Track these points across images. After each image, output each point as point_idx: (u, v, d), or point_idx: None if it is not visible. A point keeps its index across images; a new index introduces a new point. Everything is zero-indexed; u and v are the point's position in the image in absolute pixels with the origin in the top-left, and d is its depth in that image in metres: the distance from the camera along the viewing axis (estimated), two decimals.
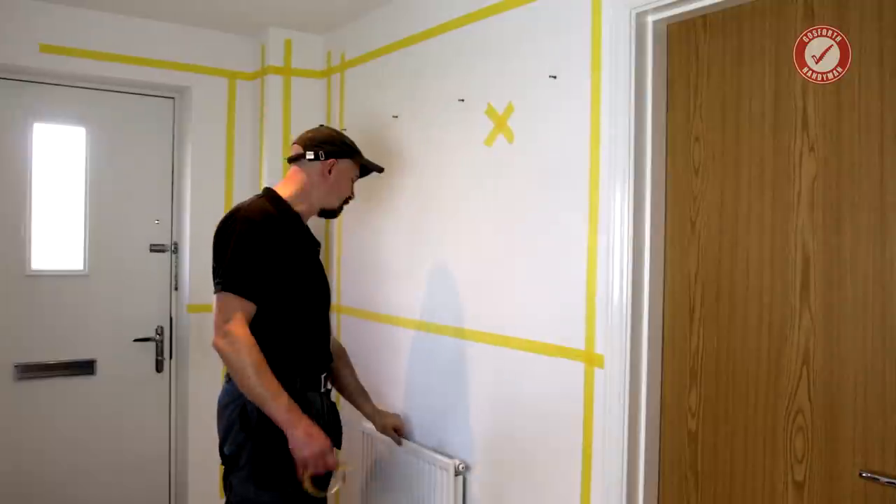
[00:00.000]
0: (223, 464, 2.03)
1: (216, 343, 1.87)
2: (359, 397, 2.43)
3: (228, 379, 2.00)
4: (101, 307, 3.10)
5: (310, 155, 2.14)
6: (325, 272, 2.22)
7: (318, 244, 2.18)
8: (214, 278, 1.95)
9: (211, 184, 3.17)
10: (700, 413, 1.78)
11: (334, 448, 1.98)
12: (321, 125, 2.31)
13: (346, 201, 2.26)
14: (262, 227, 1.94)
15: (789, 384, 1.59)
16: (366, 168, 2.32)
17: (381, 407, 2.52)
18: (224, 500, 2.07)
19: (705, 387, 1.77)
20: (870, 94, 1.46)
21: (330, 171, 2.15)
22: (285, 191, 2.12)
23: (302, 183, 2.14)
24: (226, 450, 1.99)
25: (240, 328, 1.86)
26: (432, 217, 2.50)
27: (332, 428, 2.09)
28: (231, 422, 1.95)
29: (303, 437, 1.85)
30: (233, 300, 1.87)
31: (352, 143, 2.25)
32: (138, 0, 2.81)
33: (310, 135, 2.20)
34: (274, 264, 1.95)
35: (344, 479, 2.11)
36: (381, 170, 2.36)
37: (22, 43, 2.77)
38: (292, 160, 2.18)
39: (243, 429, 1.93)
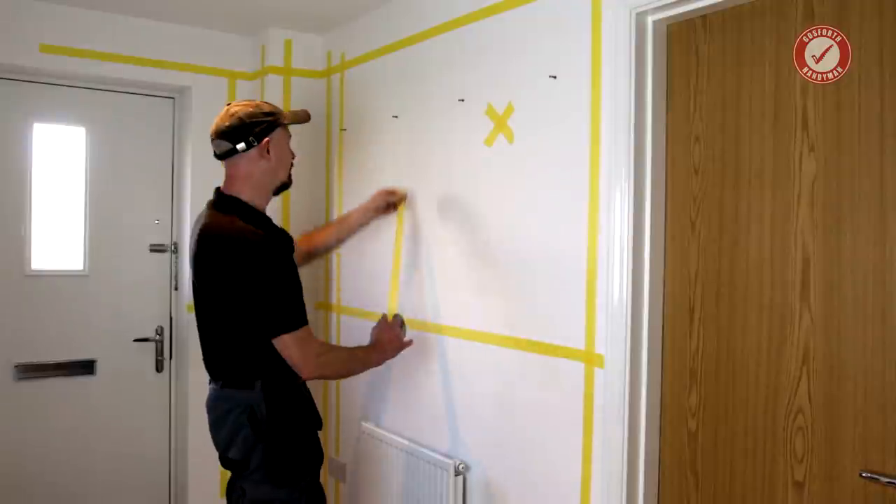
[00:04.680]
0: (229, 469, 2.00)
1: (313, 375, 1.95)
2: (347, 227, 2.47)
3: (222, 384, 1.97)
4: (101, 307, 3.10)
5: (241, 146, 1.96)
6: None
7: (292, 239, 2.07)
8: (235, 306, 1.88)
9: (211, 184, 3.15)
10: (700, 413, 1.78)
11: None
12: (230, 103, 2.05)
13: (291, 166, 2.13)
14: (276, 246, 1.90)
15: (789, 384, 1.59)
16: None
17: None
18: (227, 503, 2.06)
19: (705, 387, 1.77)
20: (870, 94, 1.46)
21: (268, 151, 1.99)
22: (243, 193, 1.99)
23: (249, 177, 1.99)
24: (231, 455, 1.95)
25: (320, 347, 2.00)
26: (432, 217, 2.50)
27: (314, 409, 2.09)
28: (237, 426, 1.92)
29: (390, 349, 2.25)
30: (302, 333, 1.89)
31: (271, 106, 2.05)
32: (138, 0, 2.81)
33: (227, 124, 1.97)
34: (296, 279, 1.96)
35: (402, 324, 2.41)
36: (307, 118, 2.14)
37: (22, 43, 2.77)
38: (222, 156, 2.01)
39: (253, 431, 1.90)
